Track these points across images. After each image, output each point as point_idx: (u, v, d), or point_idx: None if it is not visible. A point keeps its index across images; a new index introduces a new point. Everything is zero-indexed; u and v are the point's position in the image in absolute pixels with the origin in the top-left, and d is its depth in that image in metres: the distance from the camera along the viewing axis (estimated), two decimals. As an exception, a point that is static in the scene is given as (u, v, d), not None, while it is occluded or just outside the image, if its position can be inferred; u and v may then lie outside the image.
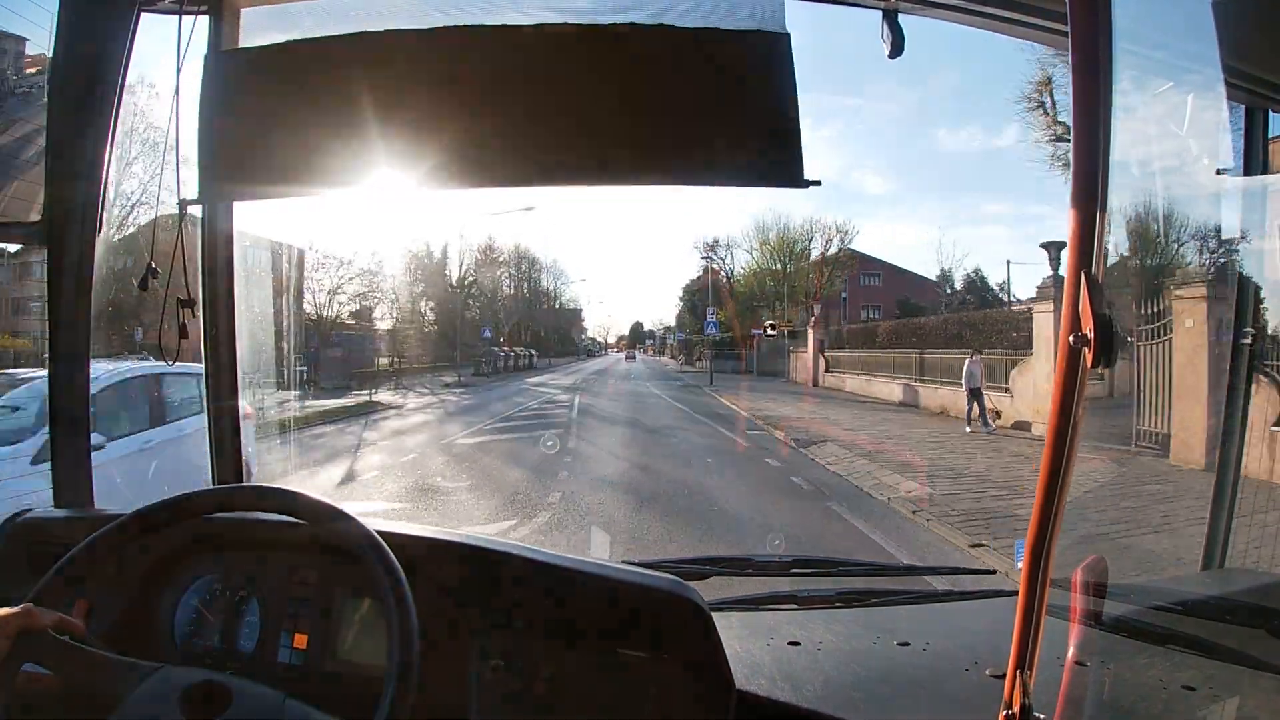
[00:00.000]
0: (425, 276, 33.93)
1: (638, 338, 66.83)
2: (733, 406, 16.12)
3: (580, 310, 55.47)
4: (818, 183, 1.05)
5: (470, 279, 37.65)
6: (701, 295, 39.72)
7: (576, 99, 1.06)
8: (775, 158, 1.05)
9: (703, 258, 39.13)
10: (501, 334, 40.96)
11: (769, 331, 29.86)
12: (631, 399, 19.02)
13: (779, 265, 35.36)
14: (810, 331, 25.01)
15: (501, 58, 1.06)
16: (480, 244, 40.89)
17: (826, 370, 23.12)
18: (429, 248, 34.53)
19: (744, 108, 1.05)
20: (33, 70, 1.25)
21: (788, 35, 1.04)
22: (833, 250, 34.48)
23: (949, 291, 34.78)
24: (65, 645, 0.82)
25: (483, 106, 1.06)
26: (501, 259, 42.50)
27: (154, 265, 1.24)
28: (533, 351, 38.94)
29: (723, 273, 39.21)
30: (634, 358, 56.04)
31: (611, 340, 68.38)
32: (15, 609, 0.80)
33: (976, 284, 33.99)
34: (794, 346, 27.27)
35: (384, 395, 19.12)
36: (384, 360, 27.85)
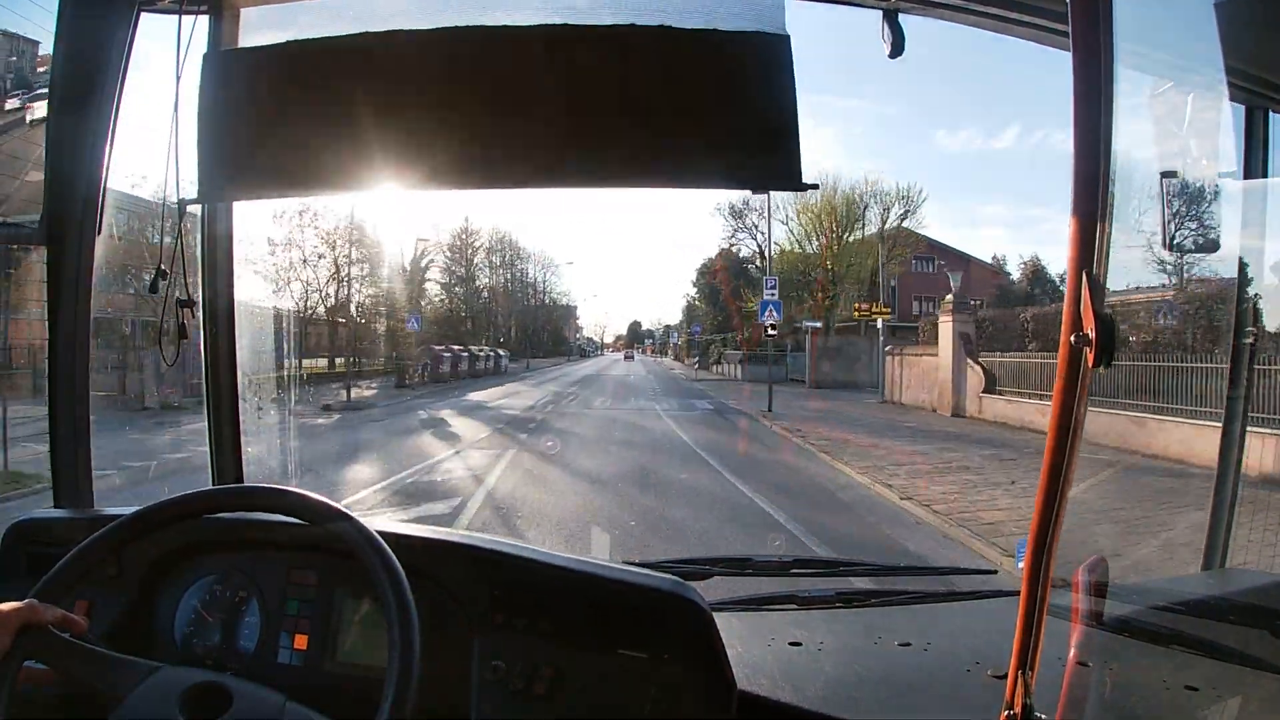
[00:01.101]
0: (368, 257, 25.11)
1: (636, 337, 66.19)
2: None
3: (575, 308, 50.56)
4: (815, 186, 1.05)
5: (428, 260, 30.41)
6: (725, 276, 30.54)
7: (576, 100, 1.05)
8: (774, 160, 1.04)
9: (740, 205, 28.83)
10: (500, 332, 36.47)
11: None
12: (634, 461, 8.55)
13: (829, 238, 25.82)
14: (948, 322, 14.06)
15: (500, 58, 1.06)
16: (457, 226, 34.80)
17: (985, 390, 12.97)
18: (374, 221, 25.65)
19: (744, 110, 1.04)
20: (43, 69, 1.25)
21: (787, 37, 1.03)
22: (892, 222, 26.17)
23: (1008, 283, 29.20)
24: (67, 643, 0.82)
25: (481, 107, 1.06)
26: (479, 243, 36.24)
27: (162, 267, 1.23)
28: (499, 352, 30.16)
29: (739, 251, 30.76)
30: (632, 357, 54.67)
31: (609, 340, 67.49)
32: (19, 604, 0.80)
33: (1039, 273, 29.60)
34: (895, 347, 17.06)
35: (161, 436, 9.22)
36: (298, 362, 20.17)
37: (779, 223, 26.83)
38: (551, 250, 67.10)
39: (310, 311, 21.52)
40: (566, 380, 25.14)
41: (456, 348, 25.49)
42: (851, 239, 26.26)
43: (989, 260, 30.43)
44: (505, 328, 38.63)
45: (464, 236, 35.75)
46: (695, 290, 37.28)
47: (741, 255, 31.39)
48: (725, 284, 30.21)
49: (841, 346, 21.97)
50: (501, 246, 38.28)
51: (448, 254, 34.87)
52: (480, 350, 27.66)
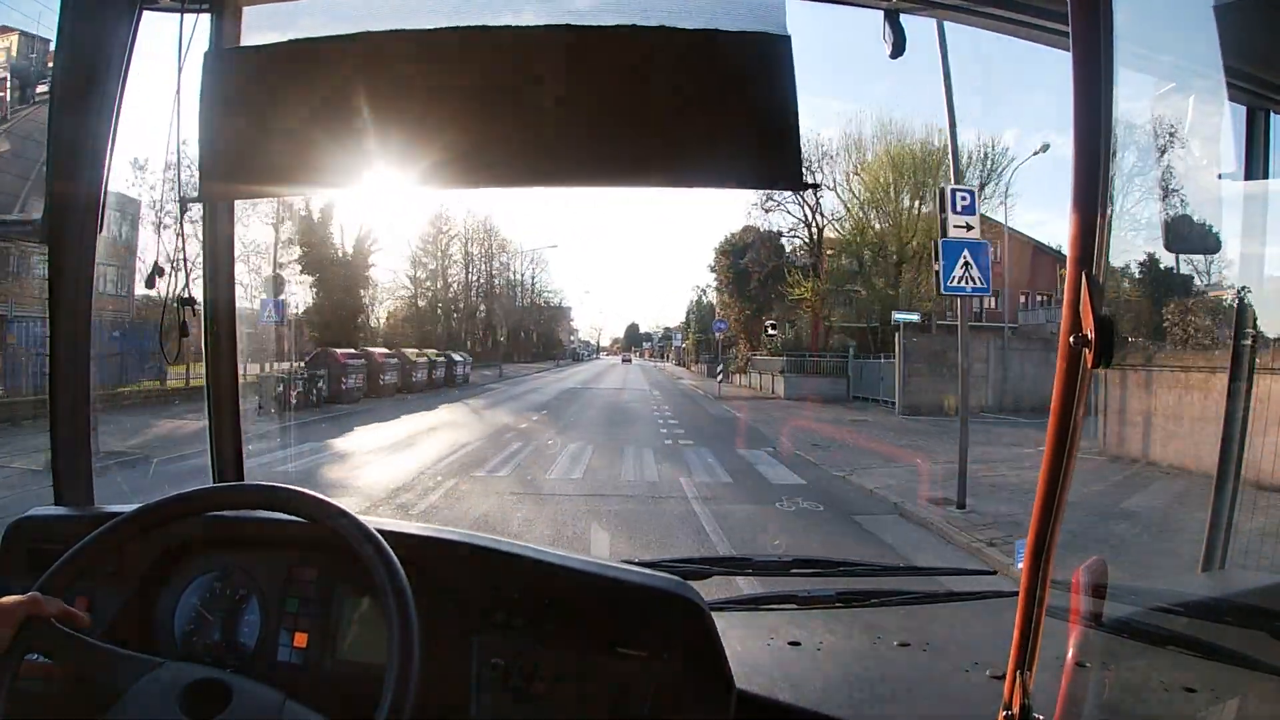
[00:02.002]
0: (300, 241, 21.29)
1: (634, 340, 65.43)
2: None
3: (569, 309, 47.24)
4: (816, 186, 1.05)
5: (373, 243, 24.41)
6: (762, 253, 23.29)
7: (576, 101, 1.06)
8: (775, 159, 1.05)
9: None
10: (489, 333, 32.79)
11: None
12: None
13: (907, 202, 18.50)
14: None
15: (502, 59, 1.06)
16: (431, 213, 30.18)
17: None
18: (307, 201, 20.62)
19: (744, 110, 1.05)
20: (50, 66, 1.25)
21: (788, 37, 1.04)
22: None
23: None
24: (69, 636, 0.82)
25: (482, 107, 1.06)
26: (454, 231, 31.34)
27: (159, 264, 1.24)
28: (454, 357, 23.54)
29: (772, 215, 23.23)
30: (629, 360, 53.62)
31: (605, 342, 66.40)
32: (21, 596, 0.81)
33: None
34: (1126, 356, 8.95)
35: None
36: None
37: (827, 189, 19.31)
38: (539, 242, 60.32)
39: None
40: (535, 399, 17.65)
41: (380, 352, 18.69)
42: (917, 212, 19.31)
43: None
44: (483, 329, 33.92)
45: (437, 224, 31.07)
46: (714, 276, 28.35)
47: (777, 230, 24.49)
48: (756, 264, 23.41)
49: (945, 350, 13.99)
50: (481, 235, 33.02)
51: (418, 244, 30.44)
52: (419, 357, 20.40)
